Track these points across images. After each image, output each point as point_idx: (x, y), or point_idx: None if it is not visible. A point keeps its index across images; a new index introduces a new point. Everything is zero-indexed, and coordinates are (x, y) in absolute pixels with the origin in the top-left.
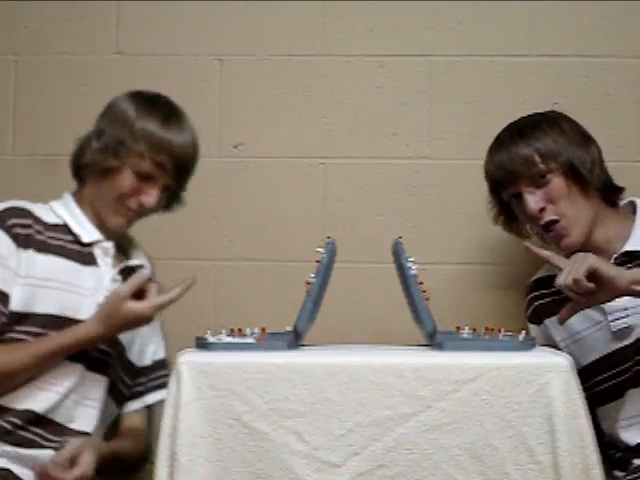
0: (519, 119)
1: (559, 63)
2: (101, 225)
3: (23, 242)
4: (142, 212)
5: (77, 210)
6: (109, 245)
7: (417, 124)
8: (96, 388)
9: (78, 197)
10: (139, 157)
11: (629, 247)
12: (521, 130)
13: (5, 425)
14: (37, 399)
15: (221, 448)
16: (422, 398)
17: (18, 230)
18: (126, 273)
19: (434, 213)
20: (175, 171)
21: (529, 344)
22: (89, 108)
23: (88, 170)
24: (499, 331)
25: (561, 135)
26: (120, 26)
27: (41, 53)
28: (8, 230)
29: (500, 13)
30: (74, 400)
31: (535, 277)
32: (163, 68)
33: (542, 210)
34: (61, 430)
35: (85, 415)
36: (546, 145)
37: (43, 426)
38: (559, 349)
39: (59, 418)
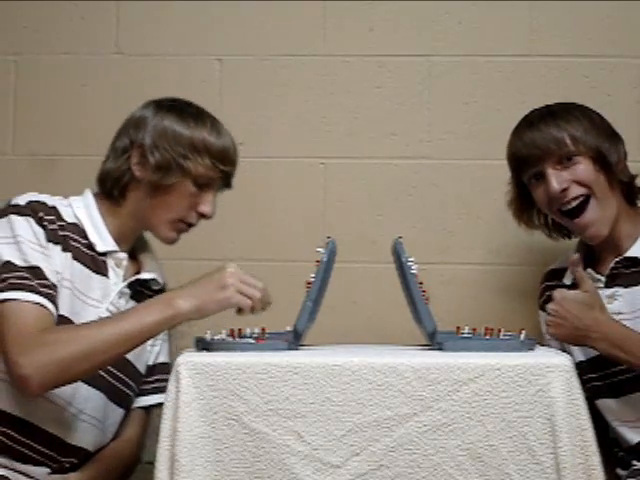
0: (548, 105)
1: (559, 63)
2: (118, 234)
3: (53, 237)
4: (197, 223)
5: (97, 215)
6: (123, 256)
7: (417, 124)
8: (92, 403)
9: (104, 206)
10: (204, 169)
11: (632, 253)
12: (553, 112)
13: (2, 439)
14: (36, 411)
15: (221, 449)
16: (422, 398)
17: (46, 224)
18: (136, 286)
19: (434, 213)
20: (229, 174)
21: (530, 344)
22: (89, 108)
23: (136, 186)
24: (499, 331)
25: (591, 125)
26: (120, 26)
27: (41, 53)
28: (40, 223)
29: (500, 13)
30: (72, 414)
31: (551, 267)
32: (163, 68)
33: (565, 190)
34: (59, 445)
35: (83, 431)
36: (577, 129)
37: (40, 441)
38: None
39: (57, 432)
